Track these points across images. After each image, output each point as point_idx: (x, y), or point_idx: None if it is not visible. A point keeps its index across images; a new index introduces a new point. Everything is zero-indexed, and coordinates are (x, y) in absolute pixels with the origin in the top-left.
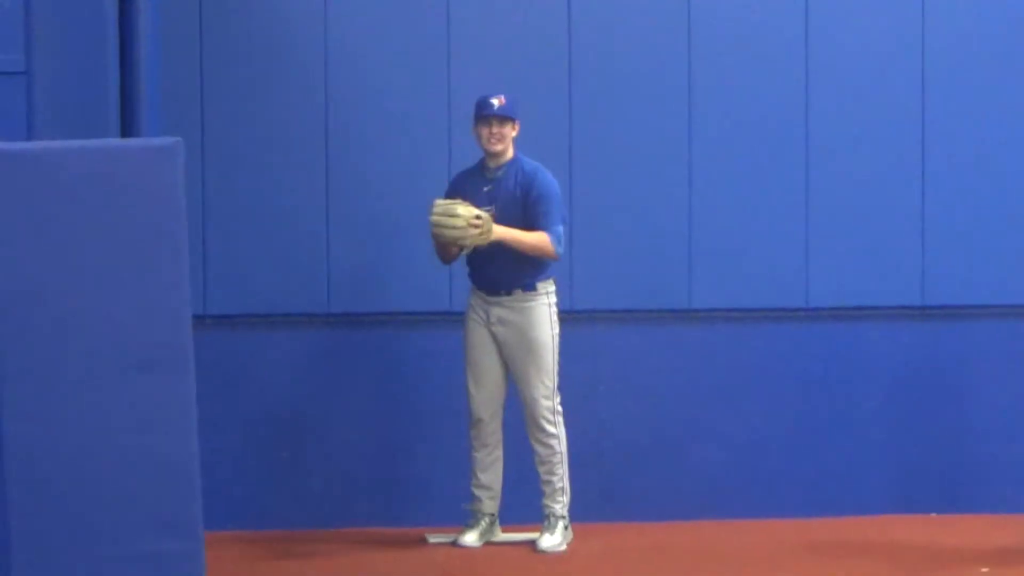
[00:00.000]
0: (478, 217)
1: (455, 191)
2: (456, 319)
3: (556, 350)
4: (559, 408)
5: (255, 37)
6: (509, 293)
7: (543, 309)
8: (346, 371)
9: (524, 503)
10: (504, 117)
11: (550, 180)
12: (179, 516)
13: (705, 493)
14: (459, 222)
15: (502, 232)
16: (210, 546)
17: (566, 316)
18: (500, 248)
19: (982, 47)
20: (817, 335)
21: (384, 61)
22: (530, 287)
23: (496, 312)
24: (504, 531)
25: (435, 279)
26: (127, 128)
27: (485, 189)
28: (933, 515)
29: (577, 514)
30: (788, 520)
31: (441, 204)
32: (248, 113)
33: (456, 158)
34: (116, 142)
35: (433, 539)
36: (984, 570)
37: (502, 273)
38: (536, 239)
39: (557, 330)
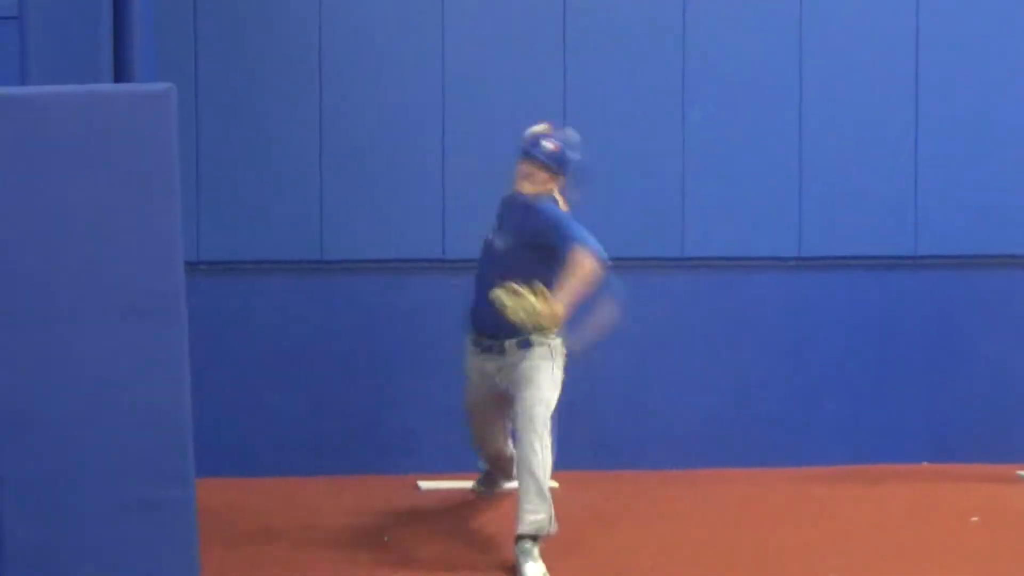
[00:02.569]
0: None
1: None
2: (448, 267)
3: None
4: (550, 422)
5: None
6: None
7: (545, 354)
8: (339, 318)
9: None
10: (549, 168)
11: (553, 208)
12: (171, 463)
13: (696, 442)
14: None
15: (564, 301)
16: (201, 492)
17: None
18: (515, 266)
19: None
20: (809, 284)
21: (379, 6)
22: (525, 344)
23: (498, 362)
24: None
25: (427, 227)
26: (120, 74)
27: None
28: (925, 464)
29: (570, 463)
30: (779, 469)
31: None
32: (242, 60)
33: (450, 106)
34: (108, 87)
35: (425, 486)
36: (974, 519)
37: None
38: (578, 277)
39: (560, 377)
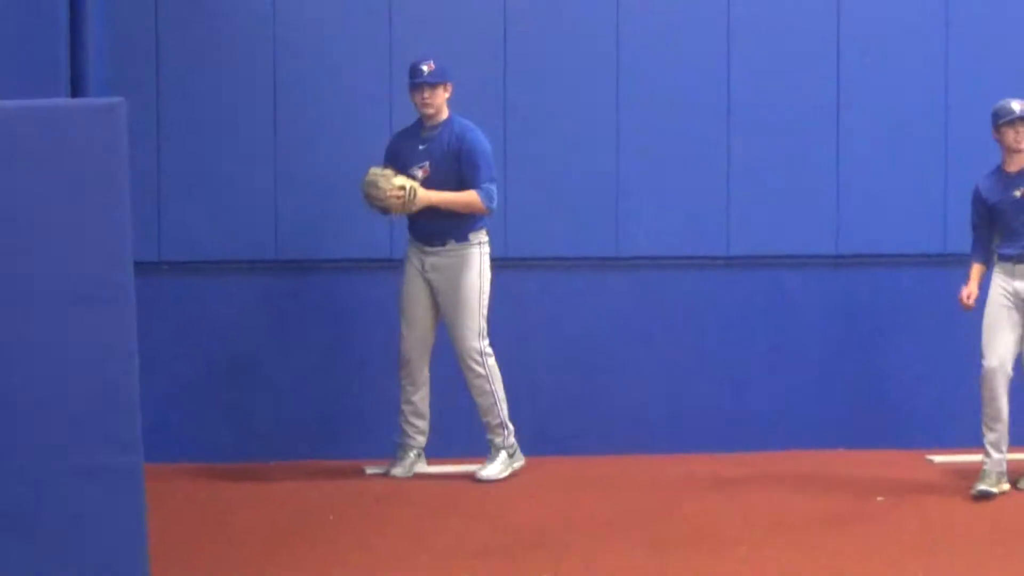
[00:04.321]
0: (402, 188)
1: (393, 149)
2: (395, 266)
3: (484, 295)
4: (488, 350)
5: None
6: (443, 244)
7: (473, 257)
8: (291, 314)
9: (454, 439)
10: (434, 83)
11: (479, 138)
12: (120, 432)
13: (631, 429)
14: (381, 193)
15: (430, 196)
16: (159, 476)
17: (499, 262)
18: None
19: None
20: (737, 281)
21: (329, 21)
22: (462, 238)
23: (430, 261)
24: (430, 464)
25: (376, 228)
26: (77, 87)
27: (421, 147)
28: (840, 449)
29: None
30: (705, 454)
31: (370, 175)
32: (199, 72)
33: (397, 114)
34: (63, 102)
35: (370, 470)
36: (879, 499)
37: (436, 226)
38: (466, 198)
39: (487, 277)
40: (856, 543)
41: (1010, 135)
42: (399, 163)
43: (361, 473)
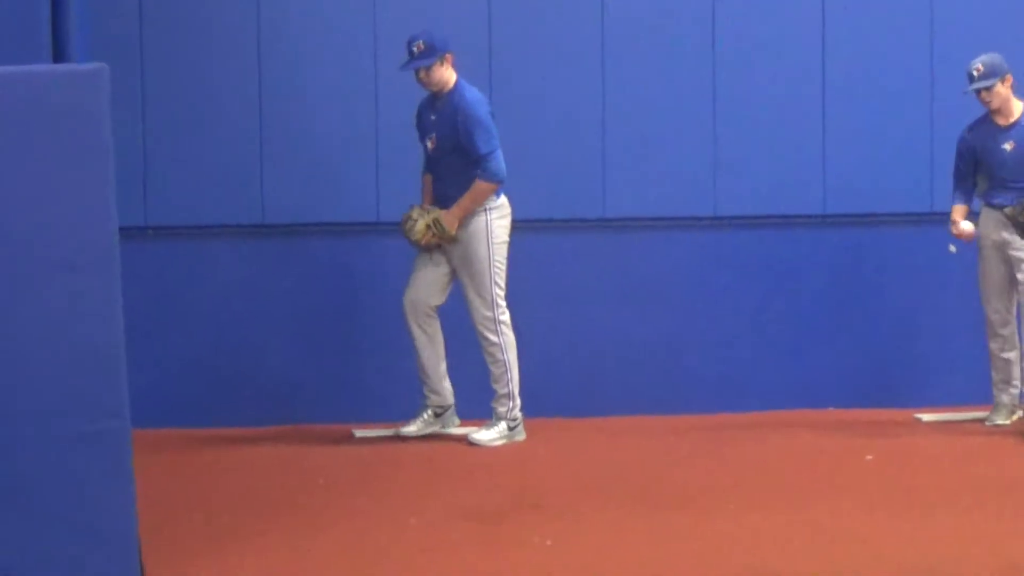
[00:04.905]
0: (428, 228)
1: (416, 118)
2: (382, 229)
3: (498, 264)
4: (502, 318)
5: None
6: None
7: (480, 225)
8: (278, 278)
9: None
10: (428, 64)
11: (472, 105)
12: (108, 398)
13: (616, 392)
14: (417, 235)
15: (453, 213)
16: (146, 442)
17: None
18: (447, 171)
19: None
20: (724, 242)
21: None
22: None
23: None
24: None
25: (363, 191)
26: (58, 53)
27: (432, 118)
28: (830, 408)
29: (490, 411)
30: (694, 415)
31: (403, 230)
32: (184, 36)
33: (382, 75)
34: (45, 68)
35: (359, 434)
36: (868, 457)
37: (442, 192)
38: (475, 191)
39: (501, 244)
40: (847, 502)
41: (981, 97)
42: (419, 133)
43: (351, 437)
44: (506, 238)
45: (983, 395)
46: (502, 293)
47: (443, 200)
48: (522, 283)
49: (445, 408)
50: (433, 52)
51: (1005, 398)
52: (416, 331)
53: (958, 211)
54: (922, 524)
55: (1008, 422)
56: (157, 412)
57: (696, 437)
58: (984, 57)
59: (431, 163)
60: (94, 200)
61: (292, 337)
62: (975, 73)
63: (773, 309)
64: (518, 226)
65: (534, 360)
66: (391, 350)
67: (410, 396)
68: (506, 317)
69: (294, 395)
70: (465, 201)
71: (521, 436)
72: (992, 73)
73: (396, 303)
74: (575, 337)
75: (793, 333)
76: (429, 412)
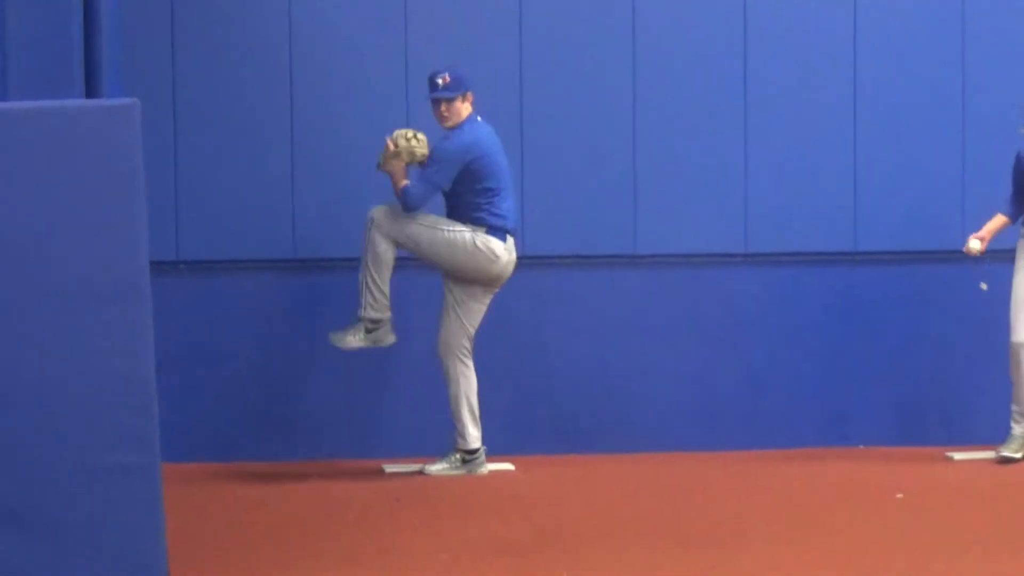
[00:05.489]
0: (414, 137)
1: None
2: (410, 264)
3: (461, 306)
4: (461, 353)
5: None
6: None
7: (457, 253)
8: (309, 312)
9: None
10: (451, 97)
11: (450, 140)
12: (137, 431)
13: (648, 428)
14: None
15: (393, 169)
16: (176, 476)
17: (520, 260)
18: (447, 198)
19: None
20: (755, 278)
21: (344, 18)
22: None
23: None
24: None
25: None
26: (91, 87)
27: None
28: (860, 447)
29: (527, 447)
30: (724, 451)
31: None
32: (215, 71)
33: (413, 110)
34: (79, 102)
35: (389, 469)
36: (899, 495)
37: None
38: (398, 185)
39: (467, 288)
40: (877, 540)
41: None
42: None
43: (380, 472)
44: (475, 276)
45: None
46: (465, 332)
47: None
48: (554, 317)
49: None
50: (457, 87)
51: (1018, 429)
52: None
53: (994, 220)
54: (952, 564)
55: (1020, 455)
56: (188, 446)
57: (725, 473)
58: None
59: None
60: (126, 233)
61: (322, 372)
62: None
63: (804, 346)
64: (550, 262)
65: (565, 395)
66: (422, 385)
67: (439, 432)
68: (465, 353)
69: (324, 430)
70: (395, 182)
71: (482, 470)
72: None
73: (426, 338)
74: (602, 373)
75: (824, 370)
76: (456, 453)
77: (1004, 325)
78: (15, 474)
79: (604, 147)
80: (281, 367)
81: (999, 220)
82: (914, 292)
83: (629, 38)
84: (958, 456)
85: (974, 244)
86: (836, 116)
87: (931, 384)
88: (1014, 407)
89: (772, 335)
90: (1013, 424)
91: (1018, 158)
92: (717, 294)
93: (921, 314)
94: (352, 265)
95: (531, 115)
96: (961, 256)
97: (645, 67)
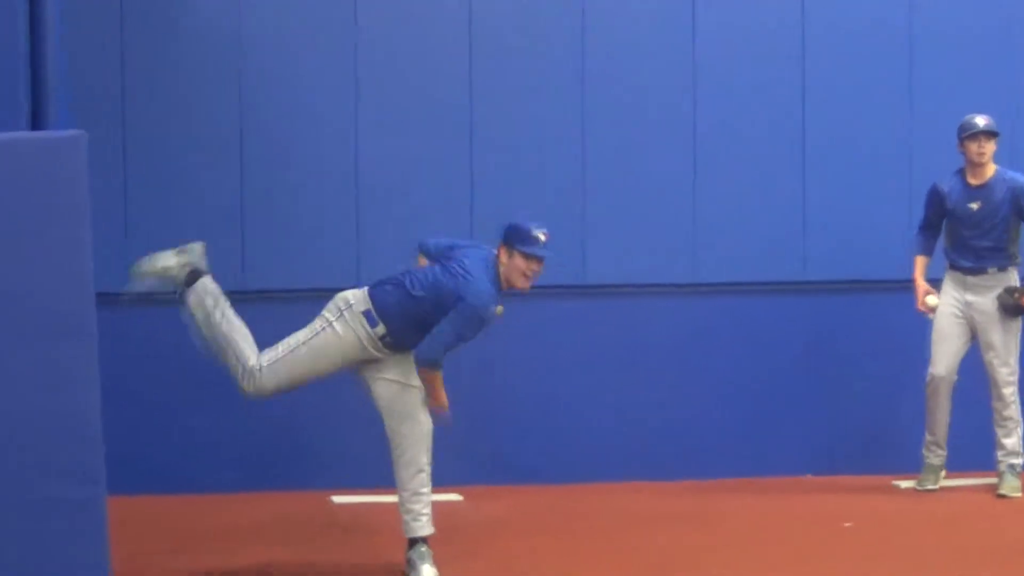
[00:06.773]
0: None
1: None
2: None
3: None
4: None
5: (173, 31)
6: None
7: None
8: (259, 344)
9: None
10: (990, 133)
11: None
12: (83, 464)
13: (597, 457)
14: None
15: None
16: (124, 507)
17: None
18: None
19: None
20: (703, 308)
21: (295, 50)
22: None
23: None
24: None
25: (343, 257)
26: (37, 120)
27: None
28: (808, 476)
29: (470, 478)
30: (674, 481)
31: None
32: (164, 101)
33: (363, 141)
34: (22, 135)
35: (337, 500)
36: (847, 524)
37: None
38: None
39: None
40: (825, 569)
41: (973, 148)
42: None
43: (329, 503)
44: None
45: (960, 462)
46: None
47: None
48: (500, 348)
49: None
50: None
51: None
52: None
53: (919, 264)
54: None
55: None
56: (130, 477)
57: (676, 503)
58: (984, 116)
59: None
60: (71, 266)
61: (272, 402)
62: (982, 123)
63: (752, 375)
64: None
65: (516, 427)
66: (367, 416)
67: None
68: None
69: (272, 461)
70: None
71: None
72: (995, 129)
73: None
74: (554, 401)
75: (772, 399)
76: None
77: None
78: None
79: (553, 177)
80: (227, 398)
81: (923, 261)
82: (860, 321)
83: (579, 70)
84: (904, 484)
85: (932, 300)
86: (784, 148)
87: (877, 412)
88: (928, 437)
89: (719, 365)
90: (927, 454)
91: (937, 192)
92: (664, 325)
93: (867, 343)
94: (300, 296)
95: (480, 144)
96: (906, 285)
97: (594, 98)
